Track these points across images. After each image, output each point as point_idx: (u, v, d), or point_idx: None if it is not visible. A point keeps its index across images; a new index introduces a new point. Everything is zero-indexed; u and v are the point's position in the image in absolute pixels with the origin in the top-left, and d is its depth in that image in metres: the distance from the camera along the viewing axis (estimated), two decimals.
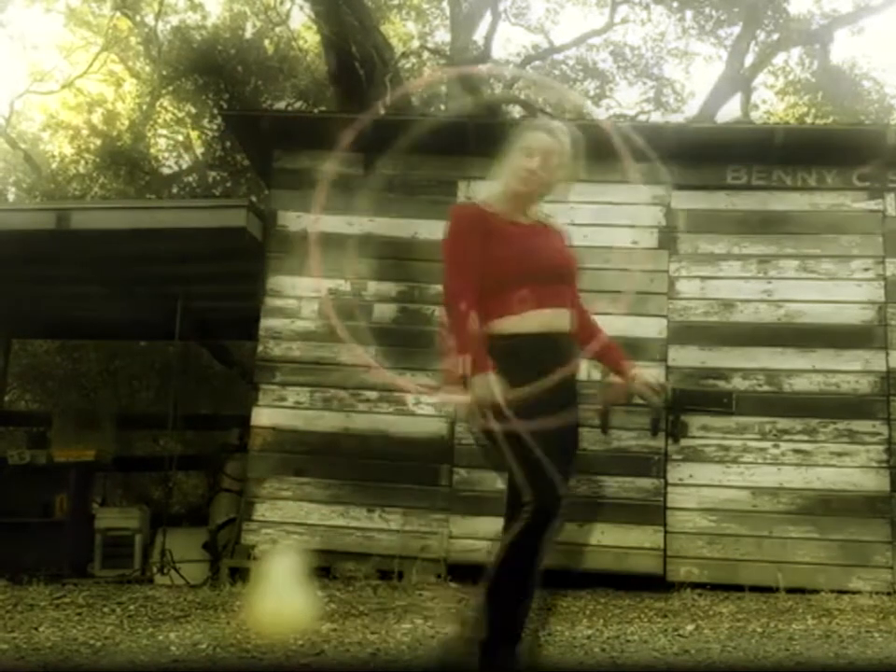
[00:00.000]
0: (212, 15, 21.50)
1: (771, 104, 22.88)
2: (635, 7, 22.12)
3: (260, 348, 9.38)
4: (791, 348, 9.00)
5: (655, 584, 8.47)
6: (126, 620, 6.98)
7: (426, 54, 21.68)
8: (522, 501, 4.56)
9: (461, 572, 8.13)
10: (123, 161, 17.90)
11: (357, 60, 14.13)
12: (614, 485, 8.86)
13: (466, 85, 17.26)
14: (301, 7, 19.57)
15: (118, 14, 21.40)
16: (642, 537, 8.76)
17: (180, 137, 21.25)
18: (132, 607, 7.48)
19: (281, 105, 18.34)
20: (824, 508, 8.71)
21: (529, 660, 4.88)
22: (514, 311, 4.55)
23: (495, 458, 4.61)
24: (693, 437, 8.90)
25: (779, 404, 8.92)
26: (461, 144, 9.31)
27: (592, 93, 23.38)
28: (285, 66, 18.76)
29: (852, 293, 9.05)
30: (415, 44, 22.66)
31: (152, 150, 20.46)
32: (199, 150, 20.36)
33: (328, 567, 8.54)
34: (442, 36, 23.37)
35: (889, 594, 8.23)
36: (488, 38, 20.92)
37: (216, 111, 17.02)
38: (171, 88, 18.76)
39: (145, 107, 20.41)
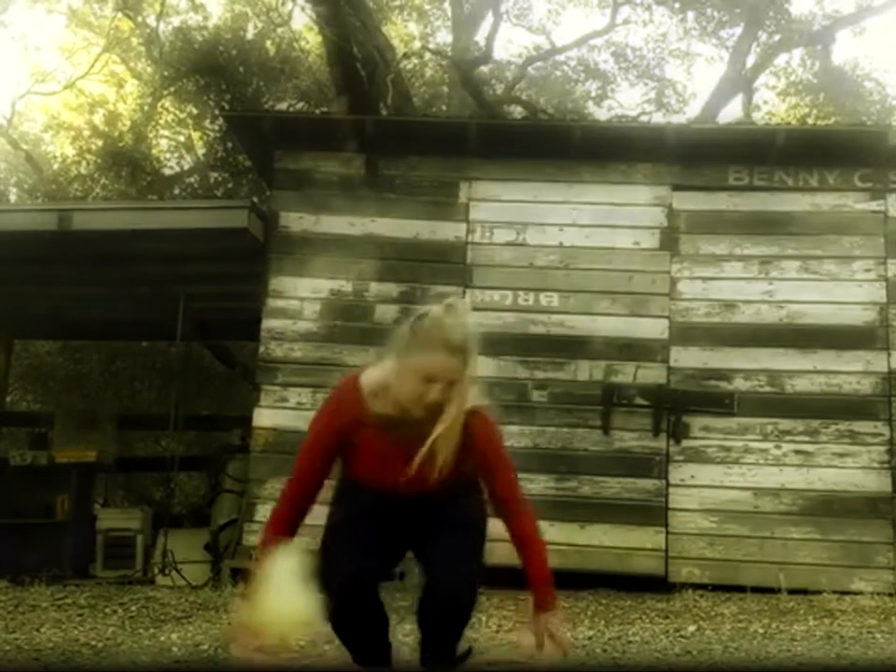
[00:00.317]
0: (213, 16, 21.52)
1: (773, 104, 22.90)
2: (636, 7, 22.10)
3: (262, 349, 9.38)
4: (792, 349, 9.00)
5: (657, 585, 8.47)
6: (128, 621, 6.98)
7: (427, 55, 21.67)
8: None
9: None
10: (125, 162, 17.88)
11: (358, 61, 14.10)
12: (616, 486, 8.86)
13: (467, 86, 17.25)
14: (303, 8, 19.50)
15: (119, 15, 21.40)
16: (644, 537, 8.76)
17: (182, 138, 21.23)
18: (133, 607, 7.49)
19: (282, 105, 18.33)
20: (826, 509, 8.71)
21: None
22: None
23: None
24: (695, 437, 8.91)
25: (781, 405, 8.92)
26: (462, 145, 9.32)
27: (593, 94, 23.40)
28: (286, 67, 18.74)
29: (854, 294, 9.06)
30: (417, 45, 22.64)
31: (154, 151, 20.44)
32: (200, 151, 20.35)
33: None
34: (444, 37, 23.39)
35: (890, 594, 8.23)
36: (490, 39, 20.91)
37: (217, 112, 17.00)
38: (172, 89, 18.73)
39: (146, 108, 20.39)
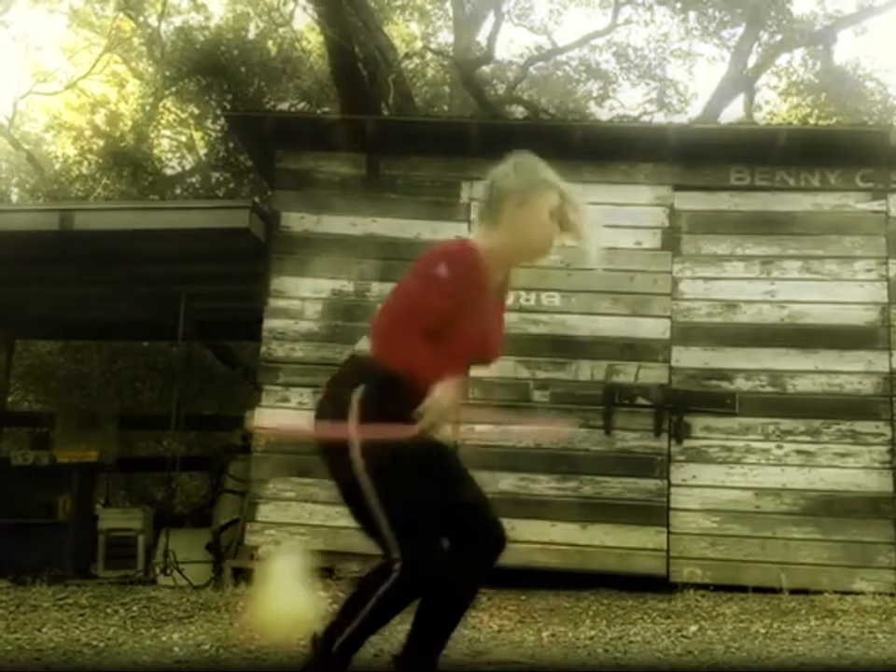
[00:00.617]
0: (215, 16, 21.54)
1: (774, 104, 22.90)
2: (638, 7, 22.08)
3: (263, 349, 9.39)
4: (794, 349, 9.00)
5: (658, 585, 8.47)
6: (129, 621, 6.99)
7: (429, 55, 21.67)
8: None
9: None
10: (126, 162, 17.89)
11: (360, 60, 14.10)
12: (617, 486, 8.86)
13: (469, 86, 17.26)
14: (305, 8, 19.51)
15: (121, 15, 21.42)
16: (645, 538, 8.76)
17: (183, 138, 21.25)
18: (135, 608, 7.49)
19: (284, 105, 18.33)
20: (827, 509, 8.71)
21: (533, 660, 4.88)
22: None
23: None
24: (697, 438, 8.90)
25: (782, 405, 8.92)
26: (464, 145, 9.32)
27: (595, 94, 23.38)
28: (288, 67, 18.74)
29: (855, 294, 9.06)
30: (419, 45, 22.65)
31: (155, 151, 20.46)
32: (202, 151, 20.36)
33: (331, 567, 8.53)
34: (446, 37, 23.38)
35: (892, 594, 8.23)
36: (491, 39, 20.90)
37: (219, 112, 17.02)
38: (174, 89, 18.75)
39: (148, 108, 20.41)
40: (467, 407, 4.21)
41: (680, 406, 8.92)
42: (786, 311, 9.08)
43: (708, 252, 9.27)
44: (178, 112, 20.07)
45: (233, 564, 9.10)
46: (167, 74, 18.56)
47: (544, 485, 8.88)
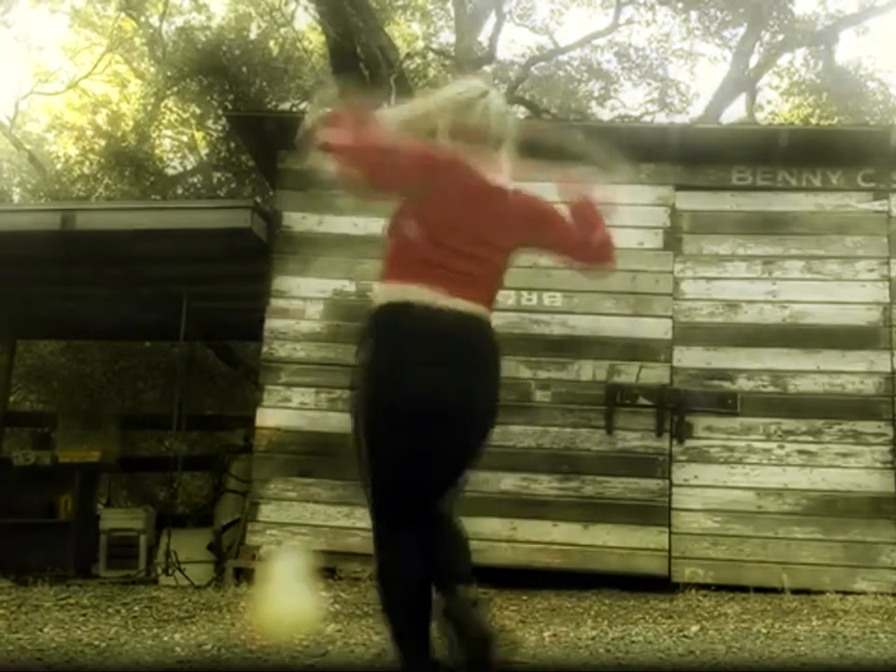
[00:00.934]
0: (217, 16, 21.59)
1: (776, 104, 22.92)
2: (639, 7, 22.12)
3: (265, 349, 9.38)
4: (795, 349, 8.99)
5: (660, 585, 8.47)
6: (131, 621, 6.98)
7: (430, 55, 21.70)
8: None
9: None
10: (128, 162, 17.90)
11: (361, 60, 14.13)
12: (619, 486, 8.85)
13: None
14: (306, 8, 19.57)
15: (122, 15, 21.46)
16: (647, 538, 8.75)
17: (185, 138, 21.27)
18: (136, 608, 7.49)
19: (286, 105, 18.35)
20: (829, 509, 8.70)
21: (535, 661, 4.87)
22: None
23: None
24: (698, 438, 8.89)
25: (784, 405, 8.91)
26: None
27: (596, 94, 23.40)
28: (289, 67, 18.76)
29: (857, 294, 9.05)
30: (420, 45, 22.70)
31: (157, 151, 20.47)
32: (204, 151, 20.37)
33: (332, 567, 8.53)
34: (447, 37, 23.40)
35: (893, 594, 8.20)
36: (493, 39, 20.95)
37: (220, 112, 17.03)
38: (176, 88, 18.76)
39: (149, 108, 20.42)
40: None
41: (682, 406, 8.91)
42: (787, 311, 9.07)
43: (710, 252, 9.26)
44: (180, 112, 20.08)
45: (235, 564, 9.10)
46: (169, 74, 18.58)
47: (545, 485, 8.87)
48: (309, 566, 4.04)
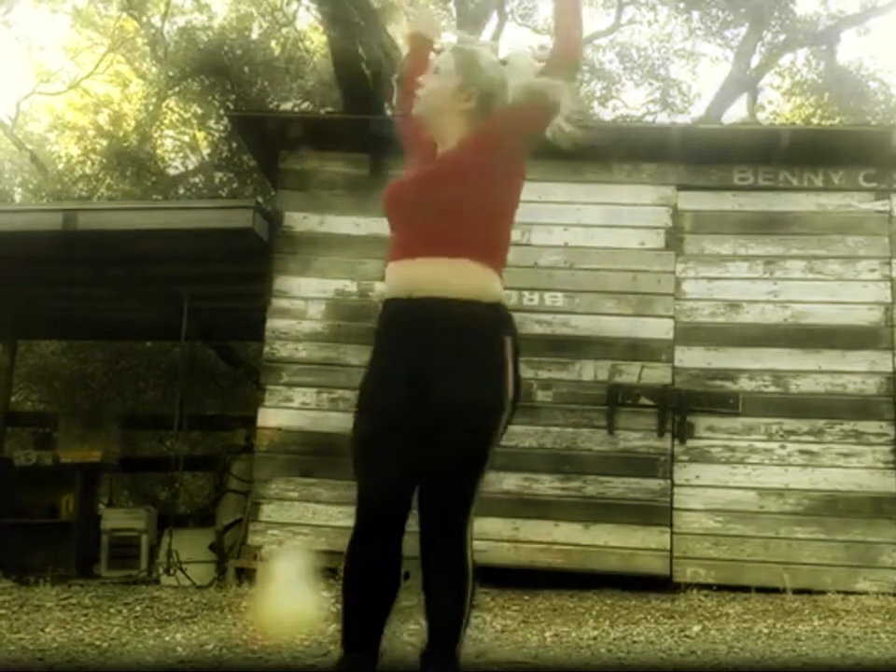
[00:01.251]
0: (218, 16, 21.52)
1: (777, 104, 22.87)
2: (641, 7, 22.11)
3: (266, 349, 9.39)
4: (797, 349, 9.00)
5: (661, 585, 8.47)
6: (132, 621, 6.98)
7: (432, 55, 21.66)
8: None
9: None
10: (129, 162, 17.91)
11: (363, 60, 14.11)
12: (620, 486, 8.86)
13: None
14: (308, 8, 19.58)
15: (124, 15, 21.42)
16: (648, 538, 8.75)
17: (186, 138, 21.26)
18: (138, 608, 7.49)
19: (287, 105, 18.35)
20: (830, 509, 8.70)
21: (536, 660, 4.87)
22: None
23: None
24: (700, 438, 8.90)
25: (786, 405, 8.92)
26: None
27: (598, 94, 23.35)
28: (291, 67, 18.76)
29: (859, 294, 9.05)
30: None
31: (158, 151, 20.46)
32: (205, 151, 20.35)
33: (334, 567, 8.49)
34: (449, 37, 23.33)
35: (895, 594, 8.21)
36: (495, 39, 20.91)
37: (222, 112, 17.03)
38: (177, 89, 18.76)
39: (151, 108, 20.41)
40: None
41: (684, 406, 8.91)
42: (789, 311, 9.07)
43: (712, 252, 9.26)
44: (182, 112, 20.08)
45: (236, 564, 9.11)
46: (170, 74, 18.58)
47: (547, 485, 8.88)
48: (310, 566, 4.04)
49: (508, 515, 8.68)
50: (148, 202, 15.60)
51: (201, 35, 19.08)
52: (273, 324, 9.38)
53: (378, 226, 9.41)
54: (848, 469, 8.75)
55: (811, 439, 8.83)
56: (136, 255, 10.08)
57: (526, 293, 9.14)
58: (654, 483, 8.85)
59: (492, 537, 8.42)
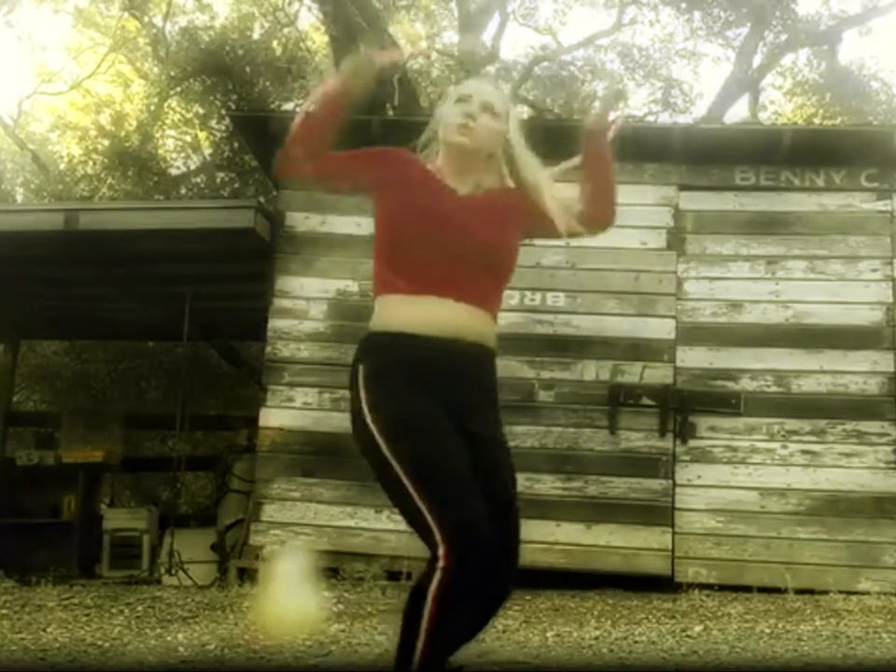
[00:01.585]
0: (220, 16, 21.54)
1: (779, 104, 22.88)
2: (643, 7, 22.12)
3: (268, 349, 9.39)
4: (799, 349, 8.99)
5: (663, 585, 8.47)
6: (134, 621, 6.99)
7: (434, 55, 21.68)
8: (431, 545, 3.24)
9: None
10: (131, 162, 17.90)
11: None
12: (622, 486, 8.86)
13: None
14: (310, 8, 19.61)
15: (125, 15, 21.43)
16: (650, 538, 8.75)
17: (188, 138, 21.26)
18: (140, 608, 7.50)
19: (289, 105, 18.34)
20: (832, 509, 8.70)
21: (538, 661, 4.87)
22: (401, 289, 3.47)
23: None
24: (702, 438, 8.89)
25: (787, 405, 8.91)
26: None
27: (600, 94, 23.36)
28: (293, 67, 18.76)
29: (860, 294, 9.04)
30: (424, 45, 22.67)
31: (160, 151, 20.46)
32: (207, 151, 20.36)
33: (336, 567, 8.54)
34: (451, 37, 23.39)
35: None
36: (496, 39, 20.99)
37: (224, 112, 17.00)
38: (179, 89, 18.74)
39: (153, 108, 20.39)
40: None
41: (685, 406, 8.91)
42: (791, 311, 9.07)
43: (713, 252, 9.26)
44: (183, 112, 20.05)
45: (238, 564, 9.12)
46: (172, 74, 18.57)
47: (549, 485, 8.88)
48: (312, 566, 4.03)
49: None
50: (150, 202, 15.58)
51: (202, 35, 19.09)
52: (275, 324, 9.38)
53: None
54: (850, 469, 8.75)
55: (813, 439, 8.83)
56: (138, 255, 10.08)
57: (528, 293, 9.14)
58: (656, 483, 8.85)
59: None
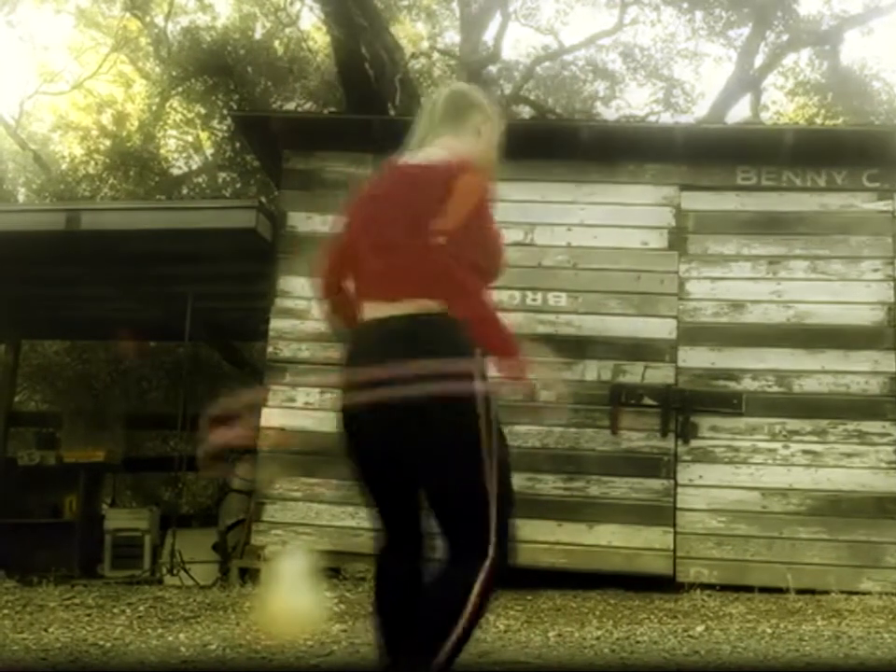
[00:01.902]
0: (222, 16, 21.57)
1: (781, 104, 22.86)
2: (644, 7, 22.12)
3: (270, 349, 9.39)
4: (800, 349, 8.99)
5: (665, 585, 8.46)
6: (136, 621, 6.99)
7: (435, 55, 21.71)
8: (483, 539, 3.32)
9: None
10: (133, 162, 17.93)
11: (366, 60, 14.13)
12: (624, 486, 8.85)
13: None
14: (311, 8, 19.60)
15: (127, 15, 21.44)
16: (652, 538, 8.75)
17: (190, 138, 21.27)
18: (141, 608, 7.49)
19: (291, 105, 18.37)
20: (834, 509, 8.69)
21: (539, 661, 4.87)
22: None
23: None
24: (703, 438, 8.89)
25: (789, 405, 8.91)
26: None
27: (601, 94, 23.40)
28: (294, 67, 18.79)
29: (862, 294, 9.04)
30: (425, 45, 22.71)
31: (162, 151, 20.48)
32: (209, 151, 20.39)
33: (337, 567, 8.54)
34: (452, 37, 23.40)
35: None
36: (498, 39, 20.96)
37: (225, 112, 17.03)
38: (180, 89, 18.76)
39: (154, 108, 20.42)
40: None
41: (687, 406, 8.91)
42: (792, 311, 9.07)
43: (715, 252, 9.26)
44: (185, 112, 20.06)
45: (240, 564, 9.12)
46: (174, 74, 18.59)
47: (550, 485, 8.88)
48: (314, 566, 4.01)
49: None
50: (152, 202, 15.60)
51: (204, 35, 19.11)
52: (277, 324, 9.38)
53: None
54: (852, 468, 8.74)
55: (814, 439, 8.82)
56: (139, 255, 10.08)
57: (530, 293, 9.13)
58: (657, 483, 8.84)
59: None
